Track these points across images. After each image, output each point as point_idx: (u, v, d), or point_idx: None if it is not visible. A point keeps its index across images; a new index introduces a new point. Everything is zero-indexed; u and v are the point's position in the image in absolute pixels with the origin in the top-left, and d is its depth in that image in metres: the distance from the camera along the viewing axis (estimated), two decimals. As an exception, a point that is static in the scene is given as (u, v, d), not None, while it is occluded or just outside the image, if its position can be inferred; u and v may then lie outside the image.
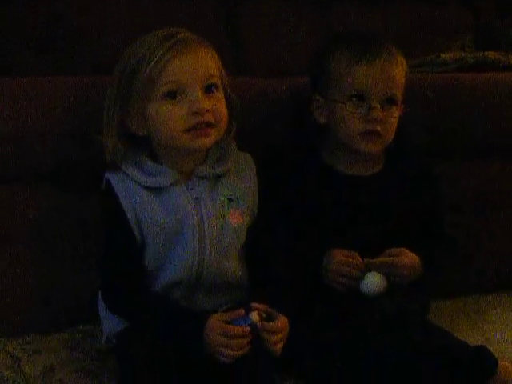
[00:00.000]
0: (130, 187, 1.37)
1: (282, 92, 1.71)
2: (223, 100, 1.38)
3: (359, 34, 1.60)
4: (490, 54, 2.05)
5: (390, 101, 1.52)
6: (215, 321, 1.30)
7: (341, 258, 1.49)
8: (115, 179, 1.38)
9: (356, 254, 1.50)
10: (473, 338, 1.60)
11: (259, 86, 1.71)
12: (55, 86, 1.54)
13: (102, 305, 1.46)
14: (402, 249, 1.52)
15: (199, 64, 1.35)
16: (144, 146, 1.40)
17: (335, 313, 1.49)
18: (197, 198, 1.39)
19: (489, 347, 1.47)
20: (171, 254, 1.38)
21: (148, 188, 1.37)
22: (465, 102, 1.82)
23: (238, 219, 1.41)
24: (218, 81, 1.37)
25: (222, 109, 1.37)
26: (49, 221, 1.59)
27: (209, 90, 1.36)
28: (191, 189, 1.39)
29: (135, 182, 1.37)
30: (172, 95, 1.34)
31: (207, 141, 1.36)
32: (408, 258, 1.51)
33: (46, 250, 1.61)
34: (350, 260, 1.49)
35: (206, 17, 2.20)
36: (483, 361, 1.43)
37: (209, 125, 1.35)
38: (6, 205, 1.57)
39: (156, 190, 1.38)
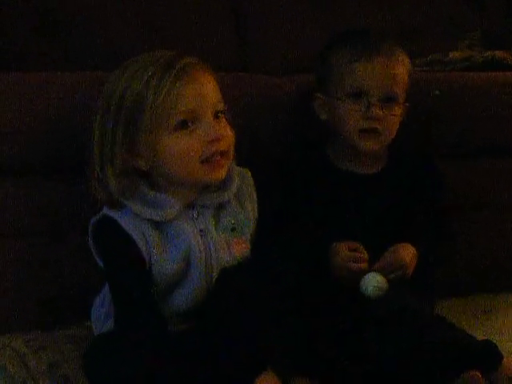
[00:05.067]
0: (136, 223, 1.30)
1: (287, 89, 1.71)
2: (229, 125, 1.34)
3: (361, 31, 1.60)
4: (499, 54, 2.05)
5: (390, 99, 1.52)
6: None
7: (346, 253, 1.49)
8: (118, 214, 1.30)
9: (360, 245, 1.49)
10: (480, 338, 1.58)
11: (265, 83, 1.71)
12: (62, 82, 1.55)
13: (94, 313, 1.44)
14: (400, 246, 1.50)
15: (209, 90, 1.30)
16: (142, 177, 1.33)
17: (338, 309, 1.49)
18: (201, 230, 1.34)
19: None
20: (176, 292, 1.35)
21: (151, 221, 1.31)
22: (473, 101, 1.81)
23: (242, 248, 1.38)
24: (223, 106, 1.33)
25: (231, 135, 1.33)
26: (56, 215, 1.59)
27: (217, 116, 1.31)
28: (196, 219, 1.35)
29: (137, 215, 1.30)
30: (185, 125, 1.28)
31: (222, 172, 1.32)
32: (408, 254, 1.50)
33: (52, 245, 1.61)
34: (355, 254, 1.49)
35: (212, 13, 2.20)
36: (488, 354, 1.42)
37: (223, 154, 1.30)
38: (16, 197, 1.57)
39: (160, 224, 1.32)
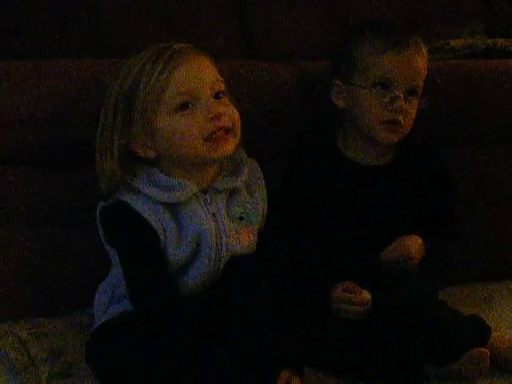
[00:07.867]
0: (150, 207, 1.31)
1: (291, 77, 1.71)
2: (232, 104, 1.35)
3: (385, 22, 1.61)
4: (500, 41, 2.05)
5: (413, 92, 1.53)
6: None
7: (340, 295, 1.47)
8: (133, 199, 1.31)
9: (357, 287, 1.47)
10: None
11: (269, 70, 1.71)
12: (69, 69, 1.54)
13: (97, 298, 1.44)
14: (407, 237, 1.52)
15: (205, 70, 1.32)
16: (154, 164, 1.35)
17: None
18: (214, 215, 1.35)
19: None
20: (184, 275, 1.35)
21: (165, 204, 1.32)
22: (474, 88, 1.81)
23: (249, 237, 1.38)
24: (224, 87, 1.35)
25: (235, 112, 1.34)
26: (67, 204, 1.59)
27: (217, 96, 1.33)
28: (208, 203, 1.36)
29: (151, 200, 1.31)
30: (185, 106, 1.30)
31: (228, 148, 1.32)
32: (414, 245, 1.52)
33: (57, 234, 1.61)
34: (350, 296, 1.46)
35: (217, 1, 2.19)
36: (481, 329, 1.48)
37: (227, 130, 1.31)
38: (20, 187, 1.57)
39: (173, 207, 1.33)
